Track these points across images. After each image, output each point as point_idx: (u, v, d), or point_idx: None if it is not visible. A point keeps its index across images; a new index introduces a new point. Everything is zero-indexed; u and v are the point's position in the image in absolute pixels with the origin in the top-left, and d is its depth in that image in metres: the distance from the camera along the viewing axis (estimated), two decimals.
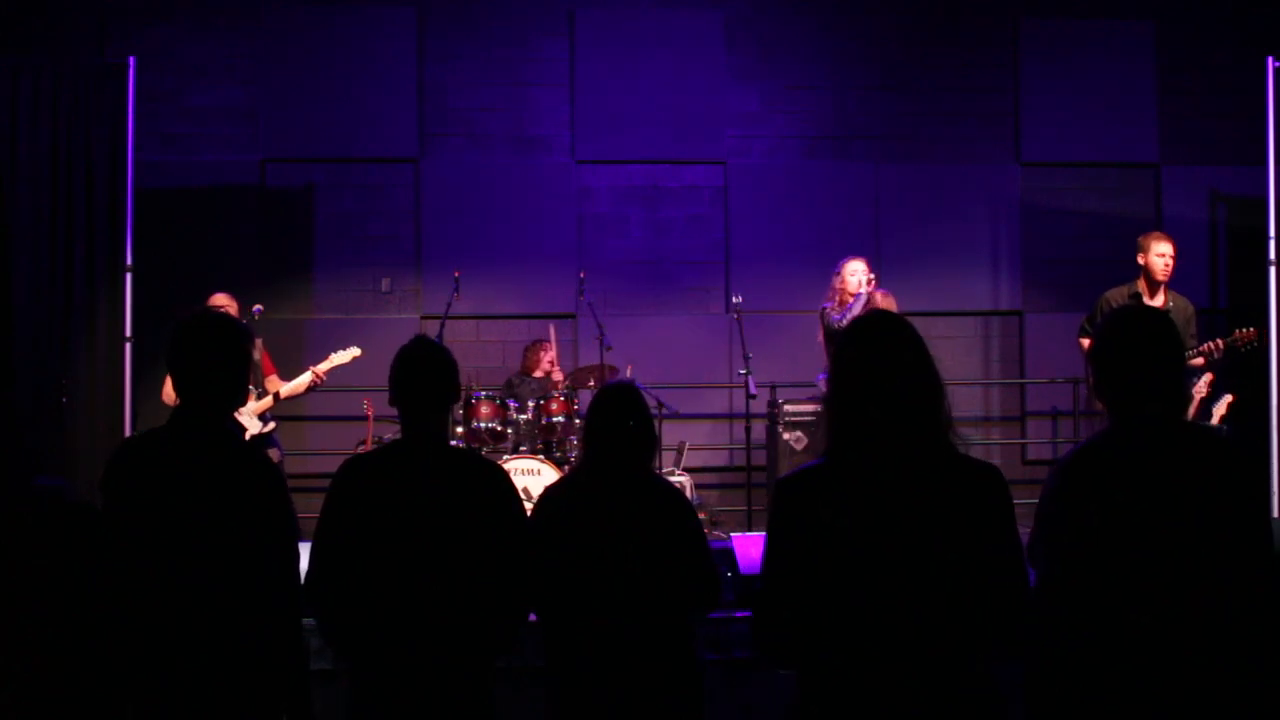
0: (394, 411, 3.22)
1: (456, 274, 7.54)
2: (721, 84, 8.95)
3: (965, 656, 2.30)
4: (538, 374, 7.90)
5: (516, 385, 7.81)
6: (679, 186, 9.00)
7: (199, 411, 2.84)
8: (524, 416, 7.23)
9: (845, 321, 6.73)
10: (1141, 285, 6.50)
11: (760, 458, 7.80)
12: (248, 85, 8.67)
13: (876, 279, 7.04)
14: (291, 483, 2.98)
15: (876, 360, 2.37)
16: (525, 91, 8.91)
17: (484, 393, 7.21)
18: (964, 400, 8.91)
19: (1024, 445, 9.03)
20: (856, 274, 6.95)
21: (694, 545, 3.31)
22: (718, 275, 8.98)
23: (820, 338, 7.13)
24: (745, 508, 7.61)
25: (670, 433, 7.76)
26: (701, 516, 5.64)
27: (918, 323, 2.59)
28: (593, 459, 3.34)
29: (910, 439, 2.33)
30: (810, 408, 7.53)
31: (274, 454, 6.40)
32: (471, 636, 3.06)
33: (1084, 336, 6.58)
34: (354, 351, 6.86)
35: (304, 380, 6.74)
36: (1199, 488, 2.38)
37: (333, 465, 3.37)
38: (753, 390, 7.23)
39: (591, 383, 7.43)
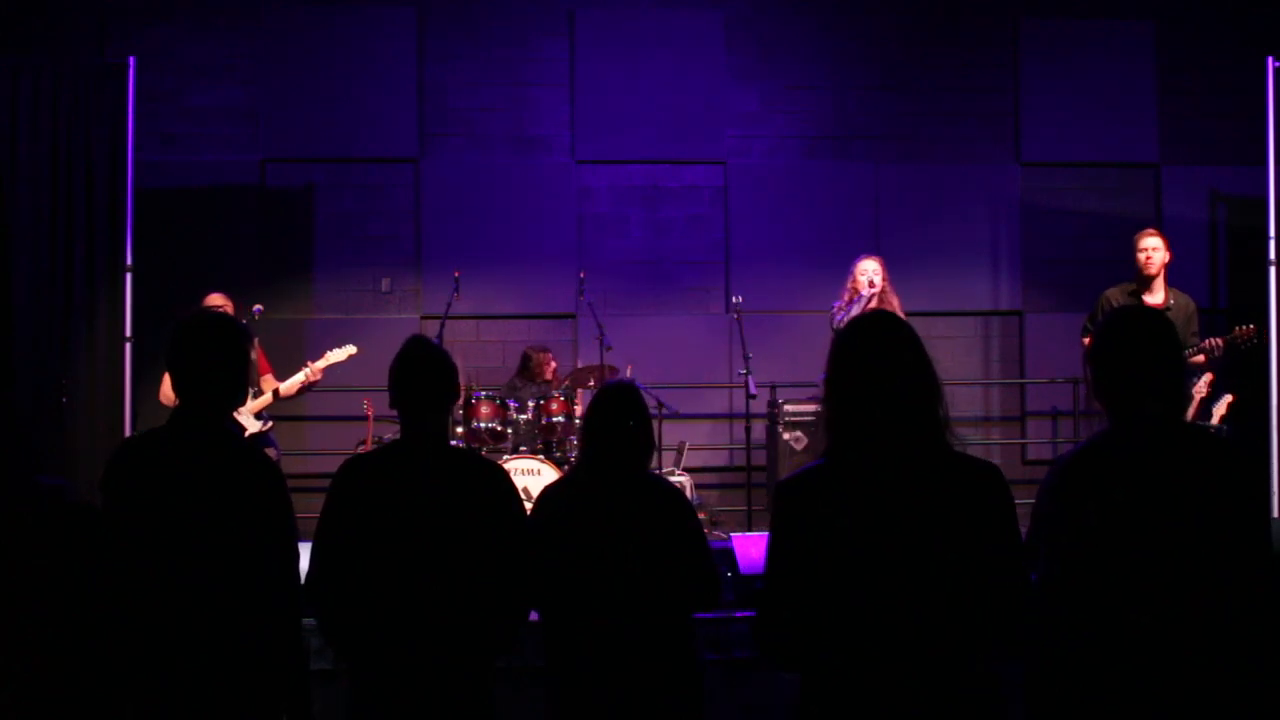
0: (394, 412, 3.23)
1: (456, 274, 7.54)
2: (721, 84, 8.95)
3: (966, 656, 2.30)
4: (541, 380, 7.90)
5: (518, 386, 7.81)
6: (679, 186, 8.99)
7: (199, 411, 2.85)
8: (524, 416, 7.23)
9: (844, 322, 6.71)
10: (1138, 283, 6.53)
11: (760, 458, 7.80)
12: (248, 85, 8.67)
13: (889, 279, 6.95)
14: (291, 483, 2.97)
15: (874, 360, 2.37)
16: (525, 91, 8.91)
17: (484, 393, 7.21)
18: (964, 400, 8.91)
19: (1024, 445, 9.03)
20: (866, 274, 6.89)
21: (694, 545, 3.32)
22: (718, 275, 8.97)
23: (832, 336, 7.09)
24: (745, 508, 7.60)
25: (670, 433, 7.75)
26: (701, 516, 5.64)
27: (917, 323, 2.59)
28: (592, 459, 3.34)
29: (910, 439, 2.34)
30: (810, 408, 7.53)
31: (271, 453, 6.40)
32: (471, 636, 3.07)
33: (1087, 336, 6.59)
34: (350, 349, 6.86)
35: (300, 378, 6.75)
36: (1198, 488, 2.38)
37: (332, 465, 3.37)
38: (753, 390, 7.23)
39: (591, 383, 7.43)
